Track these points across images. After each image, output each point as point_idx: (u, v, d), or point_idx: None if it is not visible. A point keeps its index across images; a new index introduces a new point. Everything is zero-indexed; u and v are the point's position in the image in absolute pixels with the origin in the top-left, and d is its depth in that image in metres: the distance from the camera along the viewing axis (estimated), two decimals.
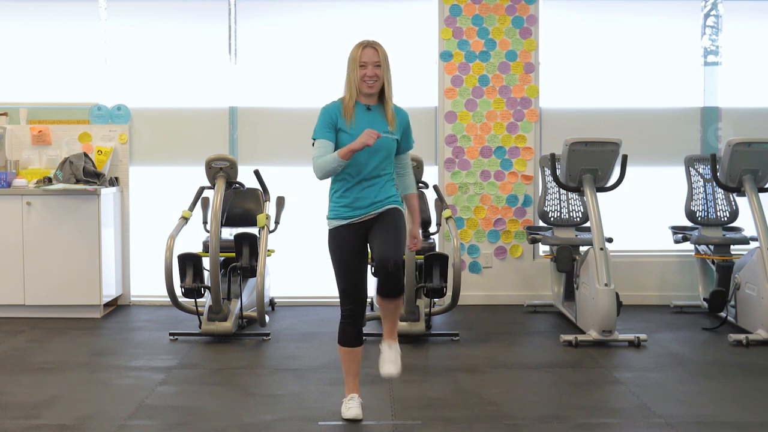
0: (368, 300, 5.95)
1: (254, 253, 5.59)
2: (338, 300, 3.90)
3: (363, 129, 3.71)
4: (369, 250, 3.86)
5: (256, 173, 5.90)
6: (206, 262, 5.54)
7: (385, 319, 3.89)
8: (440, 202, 5.96)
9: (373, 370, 4.67)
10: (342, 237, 3.82)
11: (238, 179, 5.75)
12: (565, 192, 6.23)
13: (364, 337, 3.95)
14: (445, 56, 6.64)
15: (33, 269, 6.05)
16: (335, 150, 3.73)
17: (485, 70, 6.63)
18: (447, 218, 5.68)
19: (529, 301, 6.52)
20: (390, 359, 3.86)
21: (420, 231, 3.99)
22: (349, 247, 3.80)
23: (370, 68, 3.73)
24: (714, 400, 4.24)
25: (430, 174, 6.45)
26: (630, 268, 6.62)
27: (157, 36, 6.76)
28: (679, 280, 6.70)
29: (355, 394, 3.94)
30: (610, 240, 5.88)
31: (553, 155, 5.79)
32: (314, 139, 3.77)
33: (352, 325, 3.86)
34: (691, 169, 6.34)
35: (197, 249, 5.82)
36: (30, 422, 3.87)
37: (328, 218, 3.87)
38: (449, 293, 5.56)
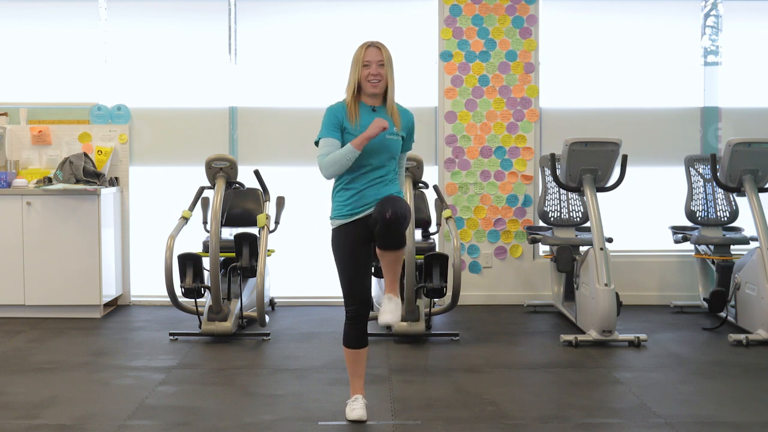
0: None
1: (254, 253, 5.59)
2: (339, 300, 3.90)
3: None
4: (373, 249, 3.84)
5: (256, 173, 5.90)
6: (206, 262, 5.55)
7: (385, 271, 3.81)
8: (440, 202, 5.96)
9: (374, 370, 4.69)
10: (345, 235, 3.80)
11: (238, 179, 5.75)
12: (565, 192, 6.23)
13: (368, 337, 3.92)
14: (445, 56, 6.64)
15: (33, 269, 6.05)
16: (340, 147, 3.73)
17: (485, 70, 6.64)
18: (447, 218, 5.68)
19: (529, 301, 6.51)
20: (389, 309, 3.81)
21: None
22: (352, 245, 3.79)
23: (373, 67, 3.73)
24: (714, 400, 4.24)
25: (430, 174, 6.45)
26: (630, 268, 6.63)
27: (157, 36, 6.76)
28: (679, 280, 6.69)
29: (360, 395, 3.93)
30: (610, 240, 5.87)
31: (553, 155, 5.80)
32: (319, 139, 3.77)
33: (356, 326, 3.84)
34: (691, 169, 6.34)
35: (197, 249, 5.82)
36: (30, 422, 3.86)
37: (331, 218, 3.86)
38: (449, 293, 5.56)
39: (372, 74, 3.74)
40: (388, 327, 3.80)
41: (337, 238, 3.84)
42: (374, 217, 3.66)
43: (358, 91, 3.79)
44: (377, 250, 3.74)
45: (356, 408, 3.87)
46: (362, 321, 3.84)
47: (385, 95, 3.81)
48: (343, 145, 3.73)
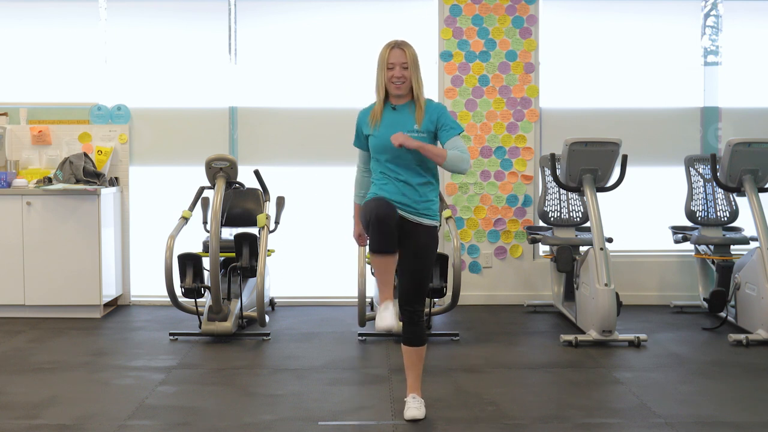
0: (369, 300, 5.95)
1: (254, 253, 5.59)
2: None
3: (388, 130, 3.77)
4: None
5: (256, 173, 5.90)
6: (206, 262, 5.55)
7: (408, 369, 3.94)
8: (440, 202, 5.95)
9: (374, 370, 4.69)
10: (376, 197, 3.78)
11: (238, 179, 5.75)
12: (565, 192, 6.23)
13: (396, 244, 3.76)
14: (445, 56, 6.64)
15: (33, 269, 6.05)
16: (368, 157, 3.92)
17: (485, 70, 6.64)
18: (447, 218, 5.68)
19: (529, 301, 6.51)
20: (414, 406, 3.91)
21: (414, 142, 3.69)
22: (381, 199, 3.73)
23: (397, 69, 3.75)
24: (714, 400, 4.24)
25: None
26: (630, 268, 6.63)
27: (157, 36, 6.76)
28: (679, 280, 6.70)
29: (390, 302, 3.79)
30: (610, 240, 5.88)
31: (553, 155, 5.80)
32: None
33: (380, 228, 3.63)
34: (691, 169, 6.35)
35: (197, 249, 5.83)
36: (30, 422, 3.87)
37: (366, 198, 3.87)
38: (449, 293, 5.56)
39: (396, 76, 3.76)
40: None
41: (367, 201, 3.80)
42: (400, 302, 3.85)
43: (386, 91, 3.82)
44: (402, 346, 3.93)
45: (386, 317, 3.77)
46: (386, 224, 3.64)
47: (412, 91, 3.82)
48: (367, 146, 3.87)
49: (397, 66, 3.75)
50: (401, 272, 3.86)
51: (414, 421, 3.85)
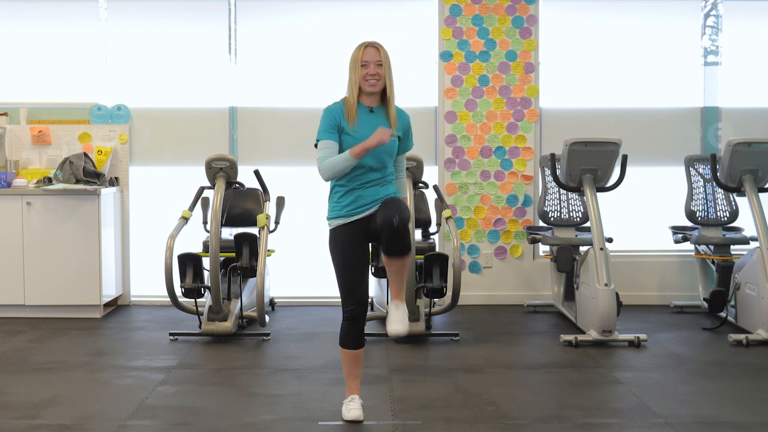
0: (369, 300, 5.98)
1: (254, 253, 5.59)
2: (339, 299, 3.90)
3: (366, 131, 3.72)
4: (370, 249, 3.86)
5: (256, 173, 5.90)
6: (206, 262, 5.55)
7: (391, 278, 3.82)
8: (440, 202, 5.96)
9: (374, 370, 4.69)
10: (343, 237, 3.80)
11: (238, 179, 5.75)
12: (565, 192, 6.24)
13: (365, 338, 3.94)
14: (445, 56, 6.64)
15: (33, 269, 6.05)
16: (340, 150, 3.73)
17: (485, 70, 6.64)
18: (447, 218, 5.68)
19: (529, 301, 6.51)
20: (397, 318, 3.81)
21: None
22: (350, 247, 3.79)
23: (372, 67, 3.73)
24: (714, 400, 4.24)
25: (430, 174, 6.44)
26: (630, 268, 6.62)
27: (157, 36, 6.76)
28: (679, 280, 6.69)
29: (356, 396, 3.93)
30: (610, 240, 5.88)
31: (553, 155, 5.80)
32: (318, 141, 3.77)
33: (353, 326, 3.84)
34: (691, 169, 6.35)
35: (197, 249, 5.82)
36: (30, 422, 3.87)
37: (329, 218, 3.86)
38: (449, 293, 5.56)
39: (370, 74, 3.73)
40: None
41: (334, 238, 3.84)
42: (380, 223, 3.63)
43: (358, 91, 3.79)
44: (384, 257, 3.73)
45: (353, 408, 3.87)
46: (360, 321, 3.85)
47: (383, 95, 3.80)
48: (340, 145, 3.74)
49: (372, 63, 3.73)
50: (377, 216, 3.65)
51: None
